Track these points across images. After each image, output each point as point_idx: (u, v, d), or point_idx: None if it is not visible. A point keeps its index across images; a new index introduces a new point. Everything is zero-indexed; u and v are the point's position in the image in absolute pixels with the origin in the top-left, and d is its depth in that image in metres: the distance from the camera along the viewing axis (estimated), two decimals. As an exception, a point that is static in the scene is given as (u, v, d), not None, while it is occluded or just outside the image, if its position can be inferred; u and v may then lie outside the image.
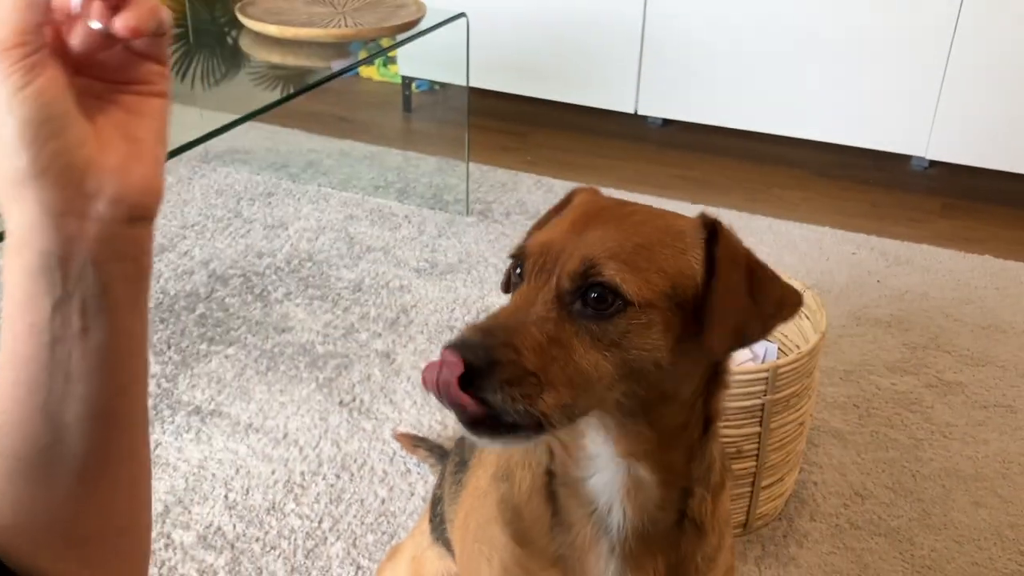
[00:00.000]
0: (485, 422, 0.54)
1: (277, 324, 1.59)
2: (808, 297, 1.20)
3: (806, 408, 1.16)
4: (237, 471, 1.27)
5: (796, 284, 1.22)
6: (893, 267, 1.82)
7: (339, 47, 1.77)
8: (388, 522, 1.19)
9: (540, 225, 0.70)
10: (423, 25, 1.74)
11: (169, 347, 1.52)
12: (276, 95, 1.45)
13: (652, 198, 2.08)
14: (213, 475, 1.26)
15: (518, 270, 0.63)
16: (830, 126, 2.12)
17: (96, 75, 0.44)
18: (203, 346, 1.53)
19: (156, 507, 1.21)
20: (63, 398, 0.43)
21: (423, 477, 1.27)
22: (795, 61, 2.08)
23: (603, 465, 0.63)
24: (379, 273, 1.75)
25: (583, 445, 0.63)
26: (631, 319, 0.57)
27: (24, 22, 0.40)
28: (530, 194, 2.08)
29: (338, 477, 1.26)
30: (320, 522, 1.19)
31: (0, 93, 0.40)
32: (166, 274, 1.74)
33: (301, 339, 1.55)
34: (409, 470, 1.28)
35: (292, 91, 1.45)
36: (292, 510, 1.21)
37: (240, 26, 1.73)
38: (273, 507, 1.21)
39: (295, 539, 1.17)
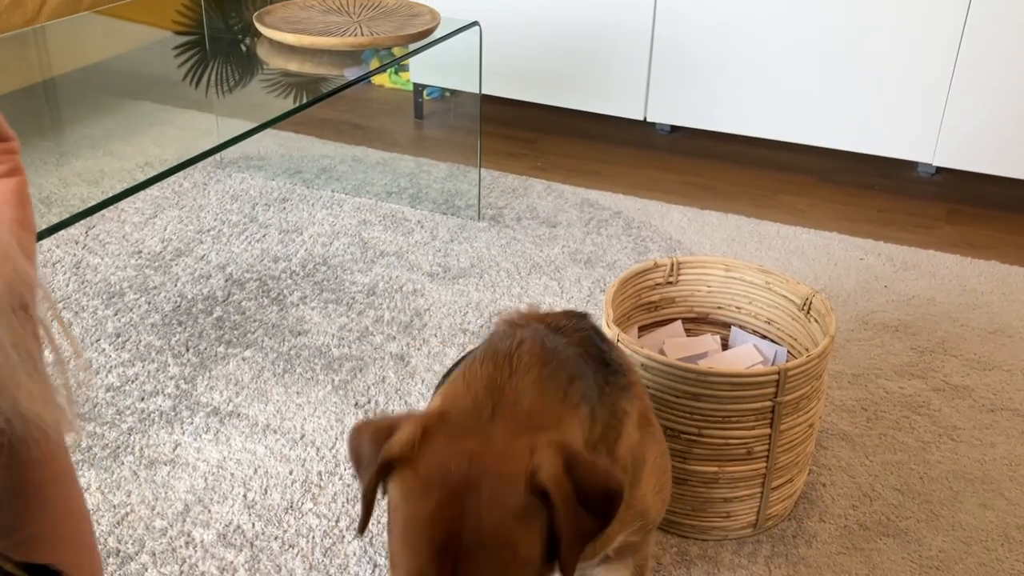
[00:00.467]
0: None
1: (293, 327, 1.61)
2: (818, 301, 1.22)
3: (815, 410, 1.18)
4: (255, 471, 1.30)
5: (805, 289, 1.24)
6: (900, 272, 1.84)
7: (354, 55, 1.80)
8: (404, 521, 1.22)
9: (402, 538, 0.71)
10: (437, 34, 1.77)
11: (187, 349, 1.55)
12: (291, 103, 1.48)
13: (661, 204, 2.11)
14: (232, 475, 1.29)
15: None
16: (837, 133, 2.15)
17: None
18: (221, 348, 1.55)
19: (176, 506, 1.23)
20: None
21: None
22: (802, 68, 2.11)
23: None
24: (393, 277, 1.77)
25: None
26: None
27: None
28: (540, 199, 2.10)
29: (355, 477, 1.28)
30: (337, 521, 1.21)
31: None
32: (183, 278, 1.76)
33: (317, 342, 1.57)
34: (424, 470, 1.30)
35: (309, 99, 1.48)
36: (310, 509, 1.23)
37: (256, 34, 1.77)
38: (291, 506, 1.24)
39: (313, 537, 1.19)
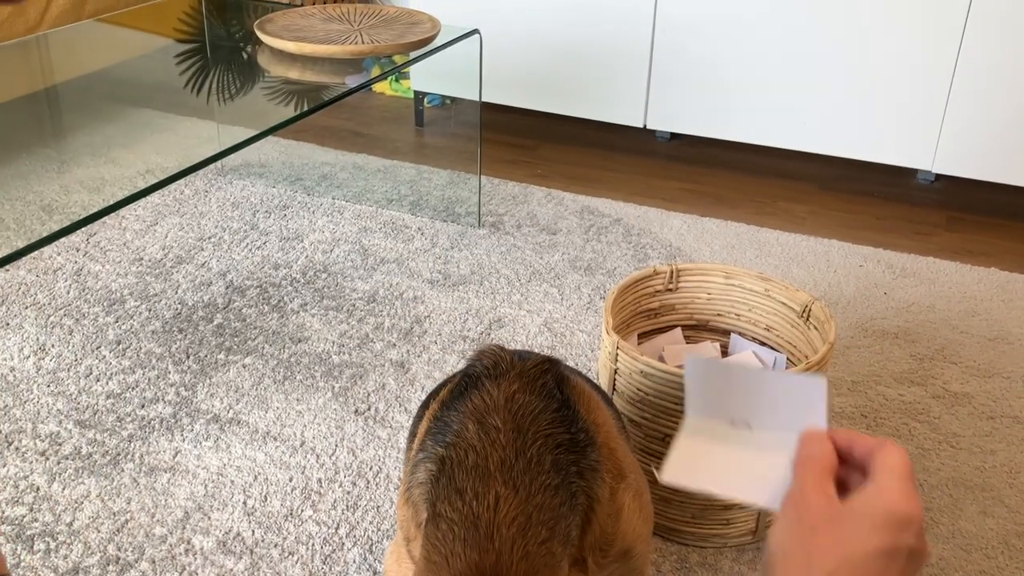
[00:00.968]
0: None
1: (293, 334, 1.61)
2: (817, 308, 1.22)
3: (815, 417, 1.18)
4: (255, 478, 1.30)
5: (804, 296, 1.24)
6: (900, 279, 1.84)
7: (354, 63, 1.81)
8: (404, 528, 1.22)
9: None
10: (437, 42, 1.78)
11: (188, 356, 1.55)
12: (293, 111, 1.49)
13: (660, 211, 2.11)
14: (232, 482, 1.29)
15: None
16: (836, 140, 2.15)
17: None
18: (221, 355, 1.55)
19: (176, 513, 1.23)
20: None
21: (438, 484, 1.29)
22: (801, 76, 2.11)
23: None
24: (393, 284, 1.78)
25: None
26: None
27: None
28: (540, 206, 2.11)
29: (354, 484, 1.29)
30: (337, 528, 1.22)
31: None
32: (184, 285, 1.77)
33: (317, 349, 1.57)
34: (424, 478, 1.30)
35: (310, 107, 1.49)
36: (310, 516, 1.23)
37: (257, 42, 1.77)
38: (291, 514, 1.24)
39: (313, 545, 1.19)
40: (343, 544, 1.19)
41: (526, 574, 0.70)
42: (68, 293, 1.74)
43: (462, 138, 2.52)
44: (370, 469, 1.31)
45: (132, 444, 1.35)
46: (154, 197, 2.13)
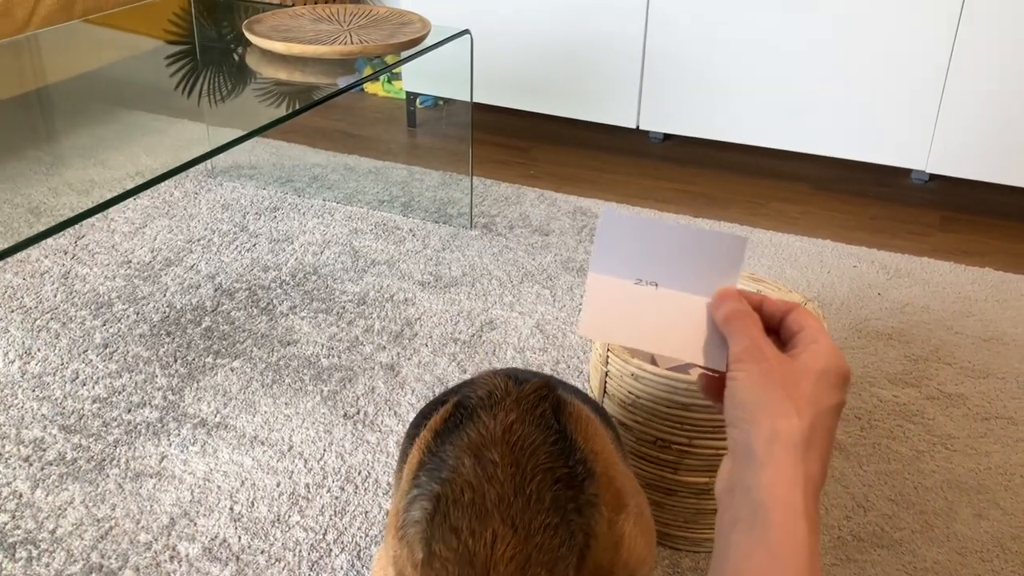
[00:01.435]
0: None
1: (282, 337, 1.60)
2: (811, 309, 1.21)
3: (808, 420, 1.16)
4: (242, 483, 1.28)
5: (797, 297, 1.23)
6: (894, 280, 1.83)
7: (345, 63, 1.79)
8: (393, 534, 1.20)
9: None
10: (428, 42, 1.76)
11: (175, 360, 1.54)
12: (282, 111, 1.48)
13: (654, 212, 2.10)
14: (219, 487, 1.27)
15: None
16: (830, 140, 2.14)
17: None
18: (209, 359, 1.54)
19: (162, 519, 1.21)
20: None
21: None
22: (794, 76, 2.10)
23: None
24: (383, 286, 1.76)
25: None
26: None
27: None
28: (533, 207, 2.10)
29: (343, 489, 1.27)
30: (325, 534, 1.20)
31: None
32: (172, 288, 1.75)
33: (306, 352, 1.56)
34: (413, 482, 1.29)
35: (298, 108, 1.47)
36: (297, 522, 1.22)
37: (247, 43, 1.76)
38: (278, 519, 1.22)
39: (300, 551, 1.17)
40: (331, 550, 1.18)
41: None
42: (55, 296, 1.72)
43: (454, 139, 2.50)
44: (359, 474, 1.30)
45: (118, 449, 1.34)
46: (143, 199, 2.12)
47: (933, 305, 1.75)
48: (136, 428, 1.38)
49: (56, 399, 1.44)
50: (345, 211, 2.06)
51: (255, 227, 1.99)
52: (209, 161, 2.28)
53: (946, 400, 1.48)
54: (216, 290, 1.75)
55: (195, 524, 1.21)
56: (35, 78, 1.99)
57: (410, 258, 1.87)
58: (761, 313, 0.63)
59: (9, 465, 1.30)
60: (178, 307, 1.69)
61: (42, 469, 1.29)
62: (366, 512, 1.23)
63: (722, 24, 2.11)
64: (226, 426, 1.39)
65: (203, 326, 1.63)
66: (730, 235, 0.60)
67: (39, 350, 1.56)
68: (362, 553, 1.17)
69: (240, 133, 1.36)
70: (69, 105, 1.97)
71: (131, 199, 2.12)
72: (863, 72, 2.05)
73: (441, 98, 2.73)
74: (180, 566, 1.15)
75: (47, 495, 1.25)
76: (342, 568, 1.15)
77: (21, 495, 1.25)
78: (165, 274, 1.80)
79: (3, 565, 1.15)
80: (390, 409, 1.43)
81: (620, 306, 0.61)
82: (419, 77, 2.44)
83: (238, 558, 1.16)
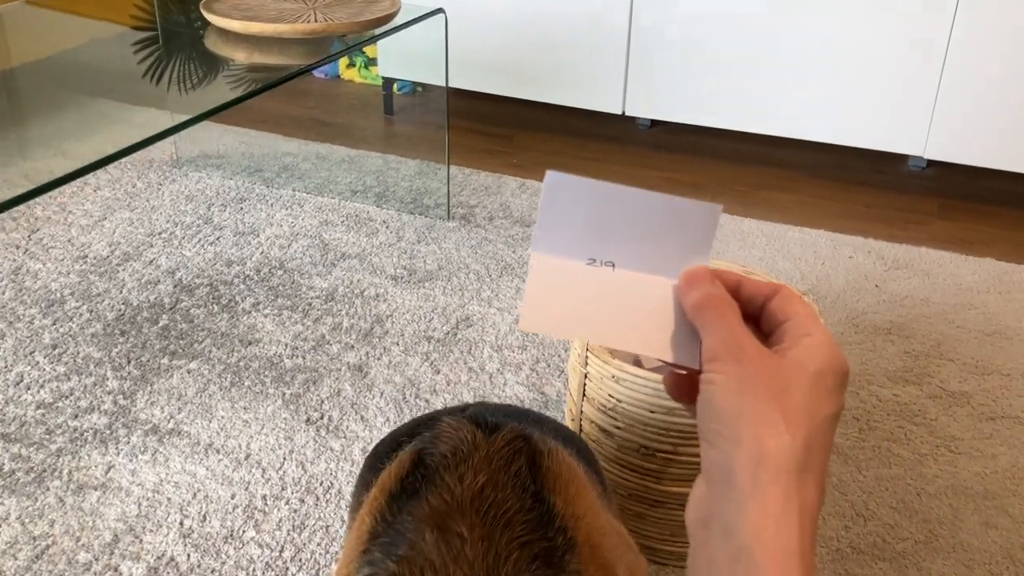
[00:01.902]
0: None
1: (244, 336, 1.50)
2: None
3: (803, 424, 1.07)
4: (194, 495, 1.18)
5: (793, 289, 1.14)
6: (892, 271, 1.74)
7: (314, 45, 1.69)
8: (355, 550, 1.11)
9: None
10: (398, 21, 1.66)
11: (129, 362, 1.44)
12: (235, 94, 1.37)
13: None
14: (168, 500, 1.18)
15: None
16: (823, 126, 2.05)
17: None
18: (164, 360, 1.44)
19: (104, 536, 1.12)
20: None
21: (394, 500, 1.18)
22: (785, 59, 2.01)
23: None
24: (354, 281, 1.66)
25: None
26: None
27: None
28: (514, 197, 2.00)
29: (302, 501, 1.18)
30: (281, 551, 1.10)
31: None
32: (129, 284, 1.65)
33: (268, 352, 1.46)
34: (379, 493, 1.19)
35: (248, 91, 1.37)
36: (252, 538, 1.12)
37: (206, 23, 1.65)
38: (231, 535, 1.13)
39: (254, 570, 1.08)
40: (287, 569, 1.08)
41: None
42: (3, 294, 1.62)
43: (433, 126, 2.40)
44: (320, 484, 1.20)
45: (61, 459, 1.24)
46: (104, 191, 2.01)
47: (933, 297, 1.66)
48: (82, 435, 1.28)
49: (-3, 405, 1.34)
50: (316, 202, 1.96)
51: (220, 219, 1.89)
52: (173, 150, 2.17)
53: (949, 399, 1.40)
54: (176, 286, 1.65)
55: (140, 541, 1.11)
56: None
57: (383, 251, 1.77)
58: (739, 297, 0.51)
59: (-60, 478, 1.20)
60: (134, 304, 1.59)
61: (-24, 482, 1.20)
62: (327, 527, 1.14)
63: (711, 6, 2.02)
64: (179, 432, 1.29)
65: (160, 325, 1.53)
66: (702, 203, 0.50)
67: (-18, 352, 1.45)
68: (321, 572, 1.08)
69: (186, 117, 1.26)
70: (28, 92, 1.87)
71: (92, 191, 2.01)
72: (858, 55, 1.96)
73: (419, 84, 2.62)
74: (121, 589, 1.05)
75: (-20, 511, 1.15)
76: (299, 589, 1.06)
77: (-49, 511, 1.15)
78: (123, 269, 1.70)
79: (-78, 591, 1.05)
80: (356, 413, 1.33)
81: (569, 292, 0.50)
82: (396, 62, 2.33)
83: (185, 579, 1.07)
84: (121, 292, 1.63)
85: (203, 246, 1.78)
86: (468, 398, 1.36)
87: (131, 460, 1.24)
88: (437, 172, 2.10)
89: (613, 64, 2.15)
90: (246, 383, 1.39)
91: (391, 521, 0.65)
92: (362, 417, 1.32)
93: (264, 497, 1.18)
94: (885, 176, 2.16)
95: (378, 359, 1.45)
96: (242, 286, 1.64)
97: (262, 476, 1.22)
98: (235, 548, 1.11)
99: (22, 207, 2.02)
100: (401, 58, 2.32)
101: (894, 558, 1.12)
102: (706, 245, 0.50)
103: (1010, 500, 1.21)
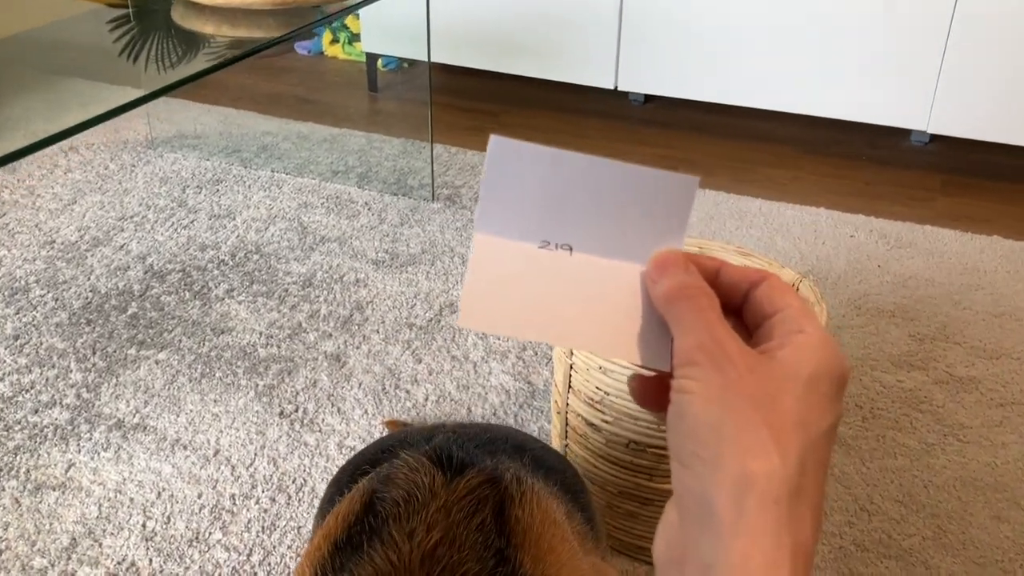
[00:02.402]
0: None
1: (216, 324, 1.43)
2: (805, 288, 1.05)
3: (805, 415, 1.01)
4: (159, 495, 1.12)
5: (791, 274, 1.07)
6: (895, 250, 1.67)
7: (288, 16, 1.60)
8: (328, 553, 1.04)
9: None
10: (376, -9, 1.58)
11: (94, 352, 1.37)
12: (194, 69, 1.29)
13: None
14: (131, 500, 1.11)
15: None
16: (822, 100, 1.97)
17: None
18: (132, 350, 1.37)
19: (62, 540, 1.05)
20: None
21: (371, 498, 1.11)
22: (783, 31, 1.93)
23: None
24: (333, 266, 1.59)
25: None
26: None
27: None
28: (501, 177, 1.92)
29: (273, 500, 1.11)
30: (250, 555, 1.04)
31: None
32: (98, 270, 1.58)
33: (241, 341, 1.39)
34: (355, 490, 1.12)
35: (212, 65, 1.29)
36: (218, 541, 1.06)
37: (174, -5, 1.57)
38: (197, 537, 1.06)
39: (219, 575, 1.01)
40: (255, 574, 1.02)
41: None
42: (-35, 282, 1.54)
43: (418, 104, 2.32)
44: (292, 482, 1.14)
45: (18, 457, 1.17)
46: (75, 173, 1.93)
47: (938, 278, 1.59)
48: (42, 432, 1.21)
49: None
50: (295, 183, 1.89)
51: (195, 202, 1.81)
52: (148, 130, 2.09)
53: (956, 384, 1.33)
54: (146, 272, 1.57)
55: (100, 545, 1.05)
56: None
57: (364, 234, 1.70)
58: (718, 286, 0.43)
59: None
60: (103, 292, 1.51)
61: (-73, 483, 1.13)
62: (299, 528, 1.07)
63: (706, -28, 1.93)
64: (145, 428, 1.22)
65: (128, 313, 1.46)
66: (676, 174, 0.41)
67: (-60, 343, 1.38)
68: (291, 577, 1.01)
69: (141, 93, 1.18)
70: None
71: (62, 173, 1.93)
72: (858, 25, 1.88)
73: (405, 60, 2.54)
74: (78, 597, 0.99)
75: (-70, 514, 1.08)
76: (267, 595, 0.99)
77: (-101, 515, 1.08)
78: (92, 255, 1.62)
79: None
80: (333, 406, 1.26)
81: (518, 281, 0.41)
82: (379, 36, 2.24)
83: (147, 586, 1.00)
84: (89, 279, 1.55)
85: (176, 230, 1.70)
86: (451, 389, 1.29)
87: (93, 458, 1.17)
88: (421, 151, 2.02)
89: (605, 37, 2.06)
90: (217, 374, 1.32)
91: None
92: (339, 409, 1.26)
93: (233, 496, 1.12)
94: (885, 151, 2.09)
95: (357, 348, 1.38)
96: (216, 272, 1.57)
97: (231, 474, 1.15)
98: (200, 552, 1.04)
99: (-11, 191, 1.94)
100: (385, 33, 2.23)
101: (901, 555, 1.05)
102: (680, 224, 0.42)
103: (1021, 491, 1.15)
